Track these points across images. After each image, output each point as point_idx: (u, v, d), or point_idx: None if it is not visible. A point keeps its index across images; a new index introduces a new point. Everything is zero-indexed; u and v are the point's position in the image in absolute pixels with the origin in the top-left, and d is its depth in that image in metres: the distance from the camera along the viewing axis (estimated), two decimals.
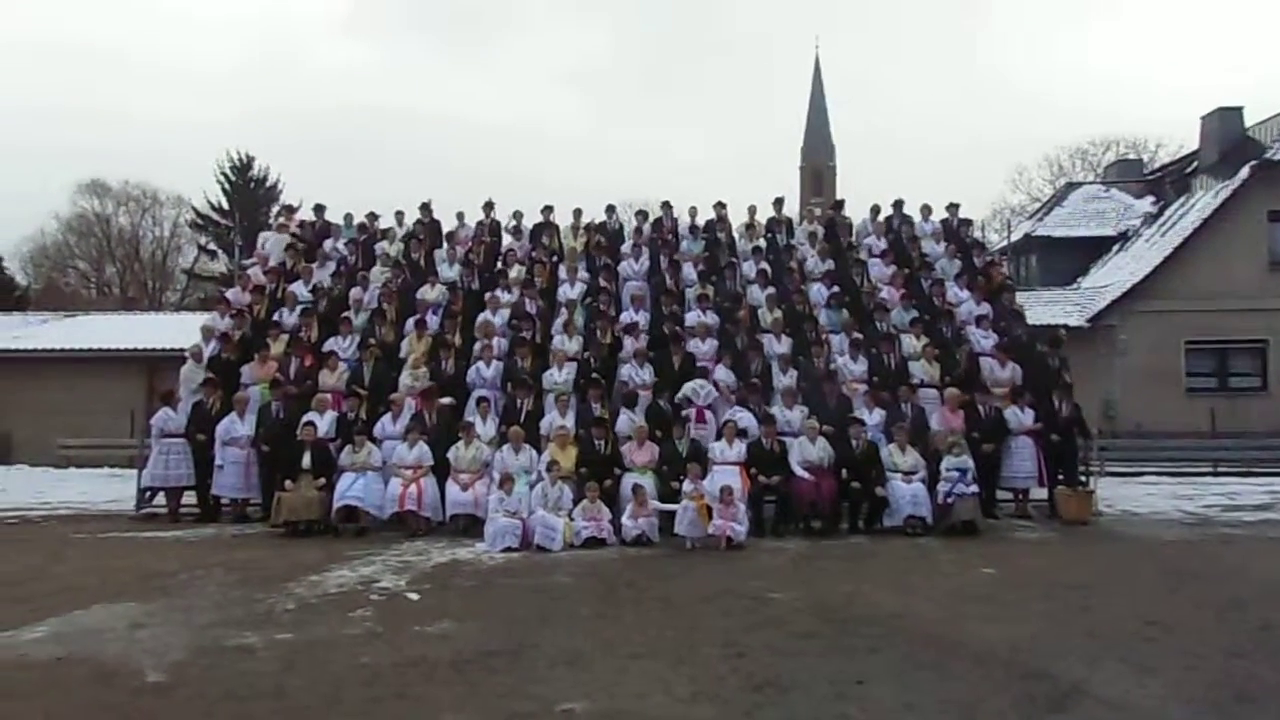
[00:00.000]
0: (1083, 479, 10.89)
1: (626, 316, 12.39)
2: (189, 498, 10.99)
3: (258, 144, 72.66)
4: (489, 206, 15.28)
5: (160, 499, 11.08)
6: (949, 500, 9.54)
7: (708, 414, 10.71)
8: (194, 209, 39.26)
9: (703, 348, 11.59)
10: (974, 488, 9.69)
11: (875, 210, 14.98)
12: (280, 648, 5.43)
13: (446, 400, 10.84)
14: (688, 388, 10.81)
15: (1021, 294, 15.12)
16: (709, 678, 4.81)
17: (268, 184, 38.61)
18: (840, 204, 16.36)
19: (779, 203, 15.39)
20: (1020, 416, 10.77)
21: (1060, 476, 10.72)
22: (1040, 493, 10.90)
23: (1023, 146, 75.46)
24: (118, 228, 42.28)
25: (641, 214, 15.91)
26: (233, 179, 38.23)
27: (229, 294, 13.87)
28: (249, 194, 37.99)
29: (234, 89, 72.21)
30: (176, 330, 17.70)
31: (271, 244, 14.89)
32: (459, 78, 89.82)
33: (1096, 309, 19.20)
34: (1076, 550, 8.83)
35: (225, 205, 38.05)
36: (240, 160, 38.33)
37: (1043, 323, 16.30)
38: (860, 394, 10.99)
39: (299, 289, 13.09)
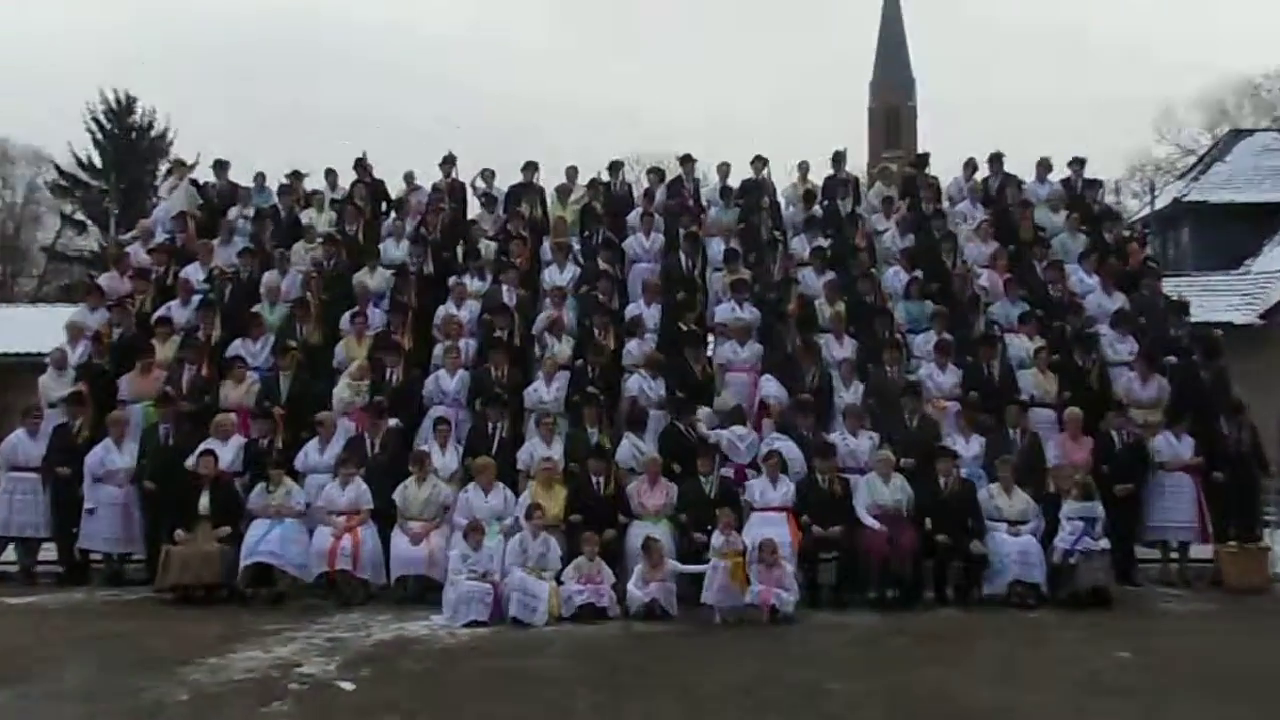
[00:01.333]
0: (1257, 532, 10.85)
1: (632, 310, 12.43)
2: (48, 551, 11.01)
3: (141, 79, 73.07)
4: (449, 162, 15.35)
5: (10, 553, 11.12)
6: (1071, 560, 9.51)
7: (750, 475, 10.34)
8: (56, 166, 39.61)
9: (741, 353, 11.61)
10: (1105, 543, 9.65)
11: (971, 167, 14.98)
12: None
13: (392, 422, 10.90)
14: (722, 438, 10.54)
15: (1169, 281, 15.08)
16: None
17: (154, 133, 38.94)
18: (924, 159, 16.36)
19: (839, 157, 15.40)
20: (1174, 446, 10.73)
21: (1228, 528, 10.64)
22: (1200, 550, 10.85)
23: (1171, 80, 75.44)
24: None
25: (655, 173, 15.93)
26: (107, 127, 38.58)
27: (102, 280, 13.94)
28: (129, 146, 38.35)
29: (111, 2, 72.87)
30: (33, 328, 17.80)
31: (163, 207, 14.98)
32: None
33: (1271, 300, 19.12)
34: (1245, 628, 8.79)
35: (97, 162, 38.40)
36: (118, 102, 38.66)
37: (1197, 319, 16.24)
38: (951, 415, 10.97)
39: (194, 273, 13.16)
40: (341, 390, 11.27)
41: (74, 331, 12.32)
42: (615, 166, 15.78)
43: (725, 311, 12.28)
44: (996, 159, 15.03)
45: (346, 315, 12.26)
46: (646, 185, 15.30)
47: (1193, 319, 13.36)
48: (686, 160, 15.58)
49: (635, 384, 11.26)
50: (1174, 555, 10.88)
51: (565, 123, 68.26)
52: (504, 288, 12.72)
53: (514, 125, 65.70)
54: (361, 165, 15.38)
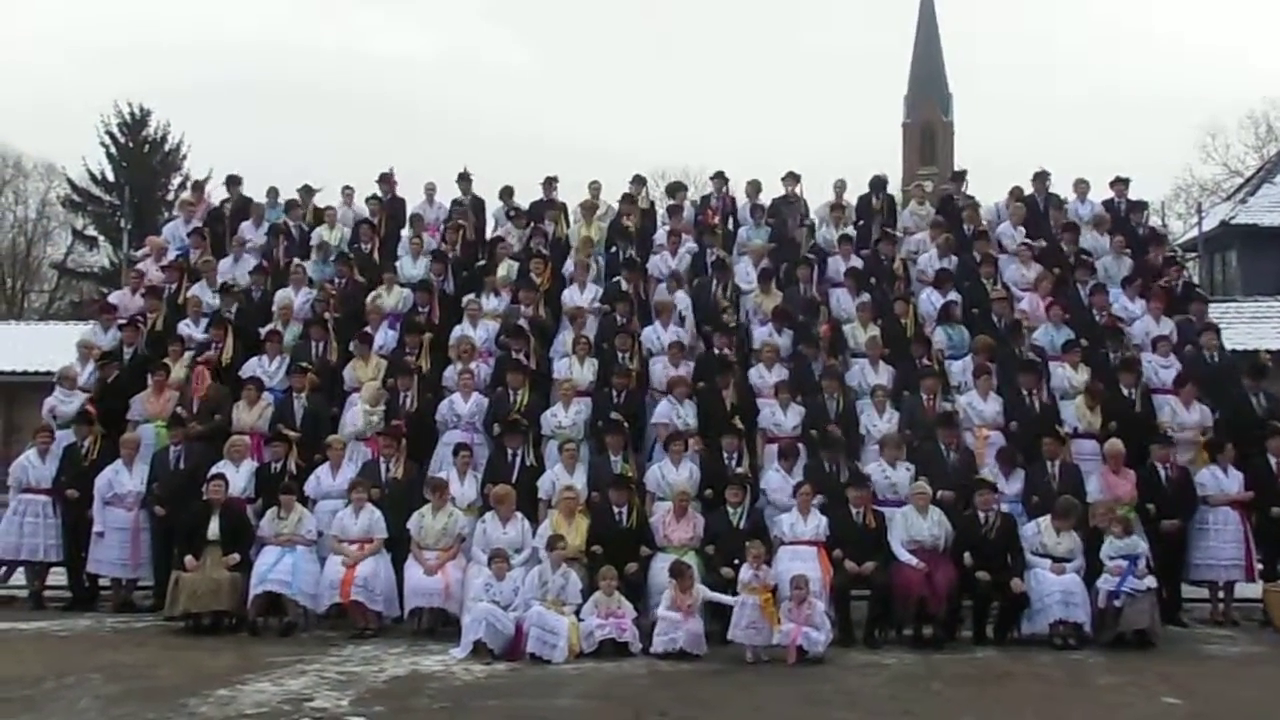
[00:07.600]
0: None
1: (650, 333, 12.41)
2: (56, 576, 11.08)
3: (155, 95, 74.06)
4: (465, 179, 15.43)
5: (19, 576, 11.18)
6: (1117, 602, 9.40)
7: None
8: (69, 180, 40.06)
9: (768, 377, 11.56)
10: (1150, 581, 9.55)
11: (1016, 195, 14.88)
12: None
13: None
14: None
15: (1216, 306, 14.97)
16: None
17: (167, 147, 39.34)
18: (961, 175, 16.27)
19: (879, 181, 15.39)
20: (1220, 480, 10.63)
21: (1277, 566, 10.55)
22: (1249, 589, 10.74)
23: (1218, 98, 75.07)
24: None
25: (679, 188, 15.90)
26: (121, 140, 38.98)
27: (114, 297, 14.09)
28: (142, 160, 38.73)
29: (125, 26, 73.80)
30: (43, 345, 17.98)
31: (170, 232, 15.14)
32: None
33: None
34: None
35: (110, 176, 38.79)
36: (132, 115, 39.07)
37: (1245, 347, 16.09)
38: (992, 446, 10.91)
39: (203, 292, 13.23)
40: (351, 414, 11.32)
41: (84, 350, 12.43)
42: (638, 182, 15.74)
43: (765, 335, 12.33)
44: (1043, 177, 14.94)
45: (359, 334, 12.21)
46: (674, 202, 15.27)
47: (1238, 346, 13.25)
48: (718, 177, 15.61)
49: (665, 409, 11.24)
50: (1220, 596, 10.75)
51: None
52: (523, 308, 12.73)
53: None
54: (386, 179, 15.45)
